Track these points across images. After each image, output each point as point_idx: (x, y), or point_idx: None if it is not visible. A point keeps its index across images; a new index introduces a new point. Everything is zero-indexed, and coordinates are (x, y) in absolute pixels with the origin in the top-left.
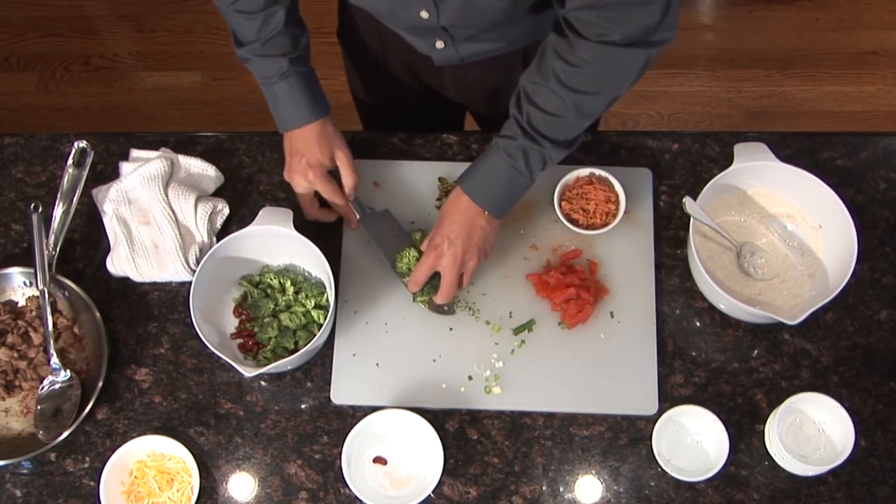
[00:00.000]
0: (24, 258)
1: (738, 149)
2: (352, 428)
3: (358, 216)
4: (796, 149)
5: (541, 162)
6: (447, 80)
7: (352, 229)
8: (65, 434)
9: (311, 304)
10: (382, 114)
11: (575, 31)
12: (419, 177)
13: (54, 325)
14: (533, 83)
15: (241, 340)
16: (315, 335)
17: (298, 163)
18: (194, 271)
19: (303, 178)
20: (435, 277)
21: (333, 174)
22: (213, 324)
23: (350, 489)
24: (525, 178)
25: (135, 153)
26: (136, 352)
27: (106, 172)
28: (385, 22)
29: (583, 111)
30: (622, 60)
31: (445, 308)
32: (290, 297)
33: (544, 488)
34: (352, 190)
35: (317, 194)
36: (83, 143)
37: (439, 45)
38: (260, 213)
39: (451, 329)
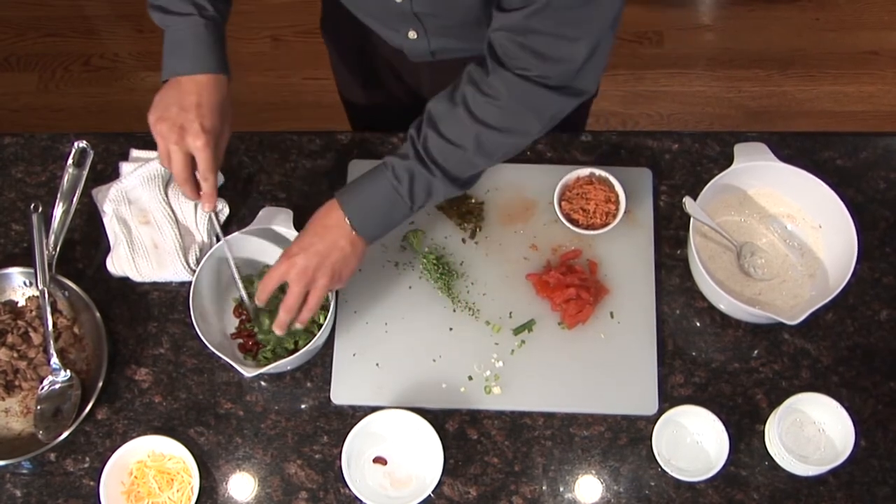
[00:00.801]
0: (24, 258)
1: (738, 149)
2: (352, 428)
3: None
4: (796, 149)
5: (425, 193)
6: (424, 79)
7: (204, 211)
8: (65, 434)
9: None
10: (369, 112)
11: (496, 58)
12: None
13: (54, 325)
14: (439, 107)
15: (241, 340)
16: (315, 335)
17: (192, 121)
18: (194, 271)
19: (192, 139)
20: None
21: None
22: (213, 324)
23: (350, 489)
24: (405, 206)
25: (135, 153)
26: (136, 352)
27: (106, 172)
28: (359, 13)
29: (483, 147)
30: (534, 100)
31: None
32: None
33: (544, 488)
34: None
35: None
36: (83, 143)
37: (412, 35)
38: (260, 213)
39: (451, 329)
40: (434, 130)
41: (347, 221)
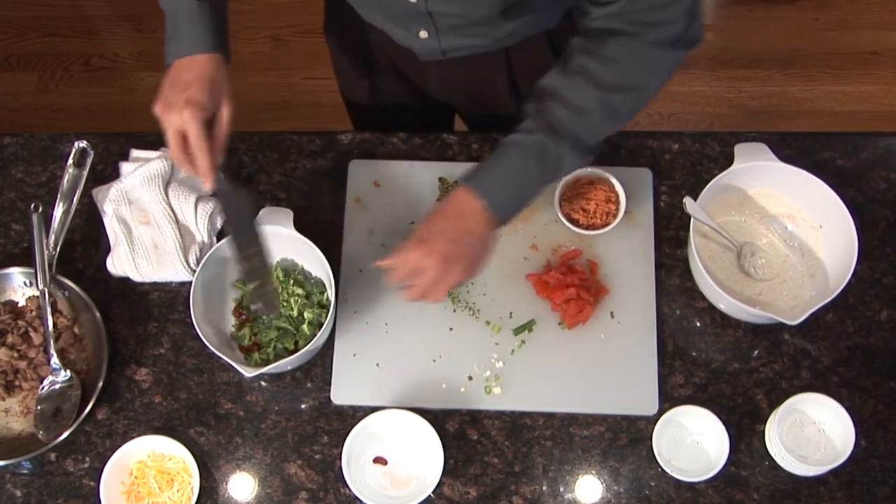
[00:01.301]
0: (24, 258)
1: (739, 149)
2: (352, 428)
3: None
4: (796, 149)
5: (555, 164)
6: (431, 78)
7: (204, 189)
8: (65, 434)
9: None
10: (371, 112)
11: (603, 33)
12: (419, 177)
13: (54, 325)
14: (554, 81)
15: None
16: (315, 335)
17: (177, 95)
18: (194, 271)
19: (178, 114)
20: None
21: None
22: (213, 324)
23: (350, 489)
24: (535, 181)
25: (135, 153)
26: (136, 352)
27: (106, 172)
28: (368, 12)
29: (610, 109)
30: (651, 58)
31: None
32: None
33: (544, 488)
34: (220, 149)
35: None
36: (83, 143)
37: (423, 34)
38: (260, 213)
39: (451, 329)
40: (556, 101)
41: (480, 205)
